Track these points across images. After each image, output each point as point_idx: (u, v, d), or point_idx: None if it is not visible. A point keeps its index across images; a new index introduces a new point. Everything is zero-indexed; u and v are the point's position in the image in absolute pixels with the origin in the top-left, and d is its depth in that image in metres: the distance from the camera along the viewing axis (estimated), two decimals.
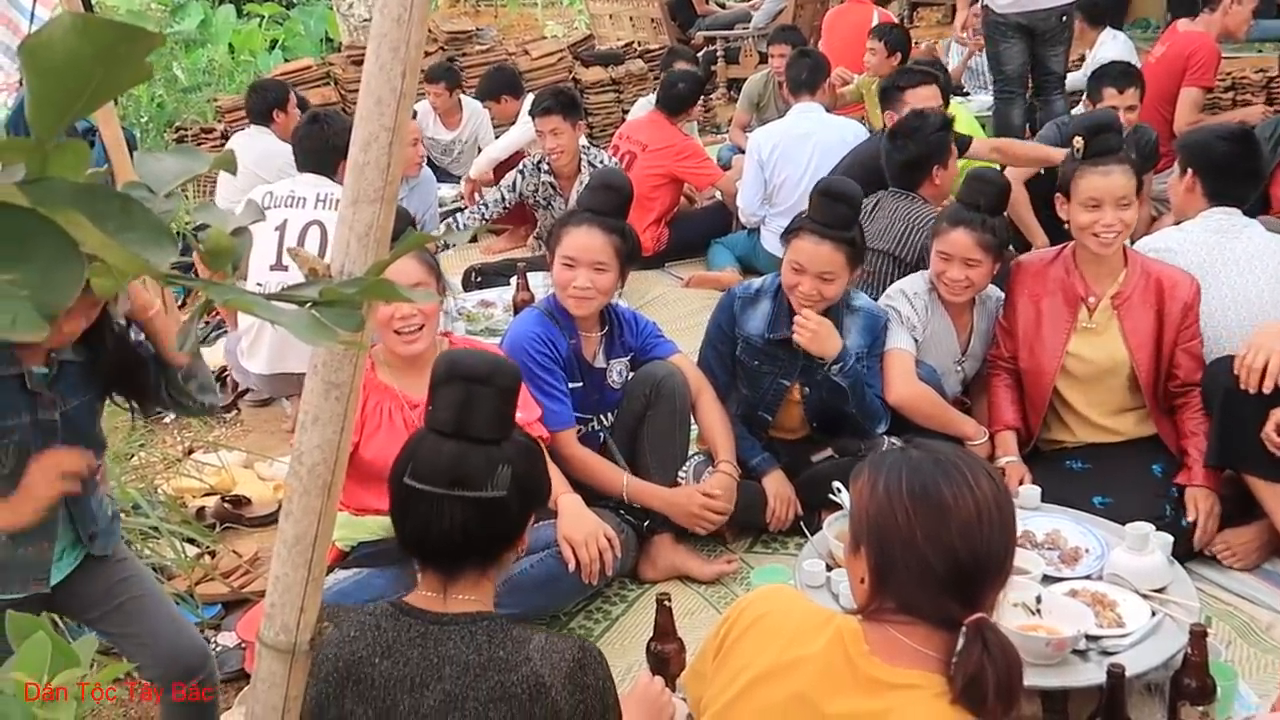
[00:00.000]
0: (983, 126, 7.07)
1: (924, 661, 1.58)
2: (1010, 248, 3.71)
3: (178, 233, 0.86)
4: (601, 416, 3.47)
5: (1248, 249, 3.50)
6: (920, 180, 4.18)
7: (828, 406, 3.47)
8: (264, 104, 5.94)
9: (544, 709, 1.73)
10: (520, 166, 5.81)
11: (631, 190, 3.48)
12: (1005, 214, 3.70)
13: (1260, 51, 8.98)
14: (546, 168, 5.66)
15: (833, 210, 3.31)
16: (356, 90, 7.41)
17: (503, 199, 5.81)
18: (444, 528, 1.80)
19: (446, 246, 5.73)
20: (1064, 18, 6.40)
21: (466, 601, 1.83)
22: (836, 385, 3.37)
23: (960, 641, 1.55)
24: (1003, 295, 3.70)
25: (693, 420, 3.48)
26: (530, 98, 6.67)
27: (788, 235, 3.39)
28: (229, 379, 4.77)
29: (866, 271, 3.81)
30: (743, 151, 6.24)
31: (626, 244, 3.34)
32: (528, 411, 3.12)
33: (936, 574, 1.57)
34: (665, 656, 2.59)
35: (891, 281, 3.86)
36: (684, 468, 3.41)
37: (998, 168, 4.50)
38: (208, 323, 5.04)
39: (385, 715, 1.75)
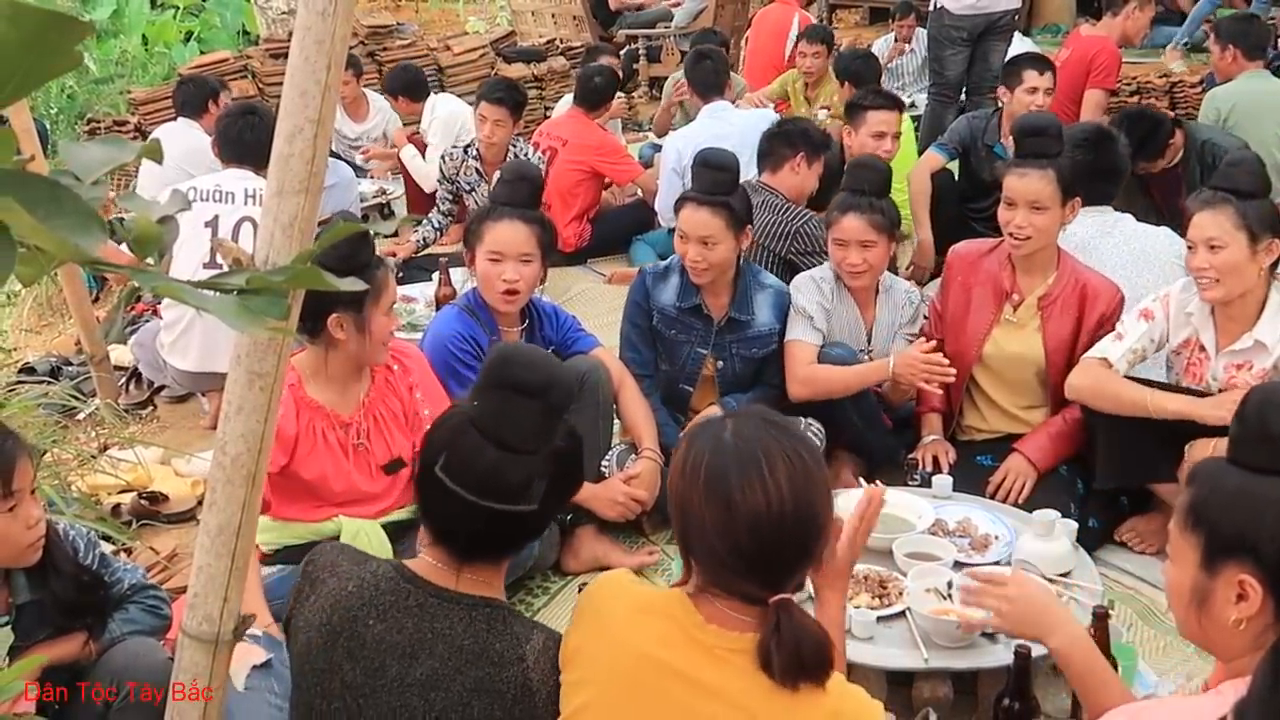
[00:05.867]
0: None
1: (753, 627, 1.64)
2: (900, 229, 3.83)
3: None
4: None
5: (1122, 240, 3.79)
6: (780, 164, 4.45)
7: (740, 380, 3.62)
8: (200, 95, 5.81)
9: (525, 712, 1.74)
10: (446, 152, 5.82)
11: (543, 180, 3.54)
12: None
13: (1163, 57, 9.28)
14: (475, 152, 5.68)
15: (709, 178, 3.52)
16: (275, 84, 7.30)
17: (450, 211, 5.82)
18: (468, 529, 1.79)
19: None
20: (1015, 16, 6.71)
21: (477, 583, 1.82)
22: (745, 357, 3.60)
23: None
24: (912, 288, 3.90)
25: (615, 414, 3.52)
26: (437, 100, 6.68)
27: (676, 208, 3.59)
28: (141, 375, 4.70)
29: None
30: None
31: (547, 234, 3.41)
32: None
33: (727, 562, 1.62)
34: None
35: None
36: (607, 457, 3.46)
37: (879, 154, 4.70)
38: (131, 310, 4.96)
39: (373, 676, 1.75)
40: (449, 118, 6.53)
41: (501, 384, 1.79)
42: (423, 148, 6.57)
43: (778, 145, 4.49)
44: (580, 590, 2.67)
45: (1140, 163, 4.98)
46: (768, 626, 1.59)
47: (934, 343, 3.50)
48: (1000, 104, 5.48)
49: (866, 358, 3.76)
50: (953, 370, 3.39)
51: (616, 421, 3.56)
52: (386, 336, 2.95)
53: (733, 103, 6.09)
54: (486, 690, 1.73)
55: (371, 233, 5.11)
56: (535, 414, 1.78)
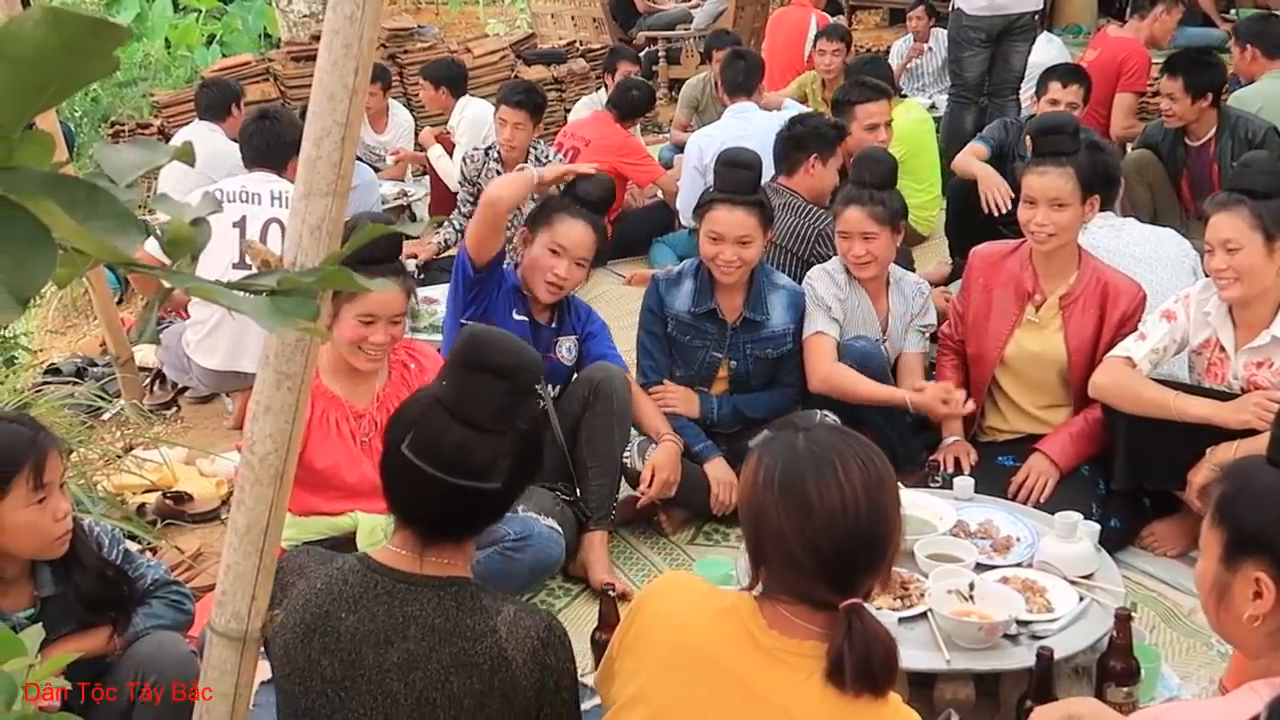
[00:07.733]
0: None
1: (817, 635, 1.64)
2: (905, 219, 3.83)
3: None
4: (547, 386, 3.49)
5: (1130, 242, 3.86)
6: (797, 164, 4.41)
7: (753, 380, 3.67)
8: (222, 99, 5.85)
9: (503, 681, 1.76)
10: (468, 154, 5.84)
11: (614, 194, 3.63)
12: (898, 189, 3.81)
13: None
14: (496, 155, 5.69)
15: (738, 177, 3.52)
16: (297, 86, 7.31)
17: (471, 214, 5.82)
18: (432, 505, 1.81)
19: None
20: (1035, 16, 6.61)
21: (441, 564, 1.84)
22: (759, 357, 3.63)
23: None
24: (921, 280, 3.94)
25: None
26: (468, 101, 6.69)
27: (699, 210, 3.57)
28: (166, 376, 4.74)
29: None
30: (683, 151, 6.30)
31: (601, 242, 3.50)
32: None
33: (804, 564, 1.62)
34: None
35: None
36: (629, 448, 3.47)
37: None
38: (163, 317, 5.00)
39: (350, 668, 1.78)
40: (476, 120, 6.55)
41: (470, 364, 1.82)
42: (450, 146, 6.60)
43: (790, 149, 4.45)
44: (603, 591, 2.68)
45: (1184, 99, 4.98)
46: (839, 630, 1.59)
47: (947, 384, 3.55)
48: (1027, 109, 5.43)
49: (885, 348, 3.77)
50: (965, 389, 3.48)
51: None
52: (360, 341, 2.91)
53: (759, 104, 6.09)
54: (463, 665, 1.76)
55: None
56: (502, 394, 1.81)
